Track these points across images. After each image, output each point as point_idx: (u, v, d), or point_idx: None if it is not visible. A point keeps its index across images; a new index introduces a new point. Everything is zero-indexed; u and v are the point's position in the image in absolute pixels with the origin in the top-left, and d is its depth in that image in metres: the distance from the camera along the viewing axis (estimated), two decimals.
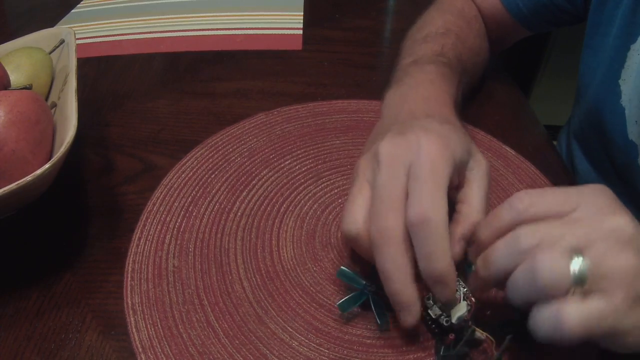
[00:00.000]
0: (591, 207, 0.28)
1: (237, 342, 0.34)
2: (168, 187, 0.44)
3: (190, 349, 0.33)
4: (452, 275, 0.30)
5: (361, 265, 0.38)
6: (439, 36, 0.50)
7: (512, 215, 0.29)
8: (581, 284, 0.26)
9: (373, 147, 0.34)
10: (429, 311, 0.33)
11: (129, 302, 0.36)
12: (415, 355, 0.33)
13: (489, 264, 0.30)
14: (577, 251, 0.26)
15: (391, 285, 0.31)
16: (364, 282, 0.35)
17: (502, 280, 0.29)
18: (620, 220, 0.27)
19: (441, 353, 0.32)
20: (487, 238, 0.31)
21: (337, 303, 0.34)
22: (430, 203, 0.30)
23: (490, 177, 0.36)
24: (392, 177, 0.32)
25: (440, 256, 0.30)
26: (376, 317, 0.33)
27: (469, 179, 0.35)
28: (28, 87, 0.44)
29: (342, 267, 0.36)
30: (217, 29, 0.69)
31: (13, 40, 0.51)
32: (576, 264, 0.26)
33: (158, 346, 0.33)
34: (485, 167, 0.36)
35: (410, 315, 0.31)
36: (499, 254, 0.29)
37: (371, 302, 0.34)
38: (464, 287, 0.33)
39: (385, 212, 0.31)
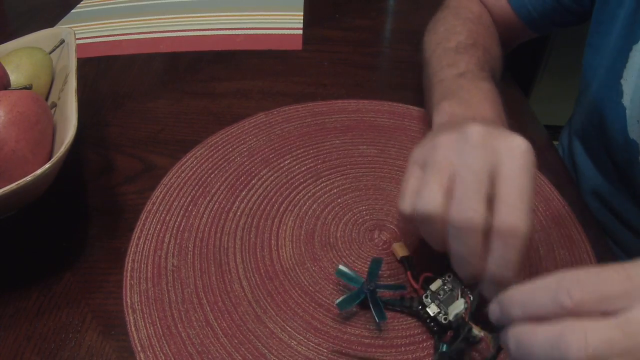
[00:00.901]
0: None
1: (236, 341, 0.34)
2: (168, 186, 0.45)
3: (189, 348, 0.33)
4: (510, 282, 0.29)
5: (359, 264, 0.38)
6: (470, 47, 0.49)
7: (555, 309, 0.25)
8: None
9: (459, 129, 0.33)
10: (427, 309, 0.34)
11: (128, 301, 0.36)
12: (415, 355, 0.33)
13: (523, 348, 0.26)
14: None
15: (465, 268, 0.31)
16: (363, 281, 0.35)
17: None
18: None
19: (439, 350, 0.32)
20: (519, 317, 0.26)
21: (336, 301, 0.34)
22: (521, 214, 0.29)
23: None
24: (482, 160, 0.31)
25: (514, 267, 0.29)
26: (374, 315, 0.33)
27: None
28: (28, 87, 0.44)
29: (340, 265, 0.36)
30: (217, 29, 0.69)
31: (13, 40, 0.51)
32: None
33: (157, 345, 0.33)
34: None
35: (498, 288, 0.29)
36: (540, 350, 0.25)
37: (369, 301, 0.34)
38: (461, 284, 0.34)
39: (470, 198, 0.30)
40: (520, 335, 0.26)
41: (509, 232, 0.29)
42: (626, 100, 0.45)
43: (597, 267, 0.25)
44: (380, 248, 0.40)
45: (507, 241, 0.29)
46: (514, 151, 0.31)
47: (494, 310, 0.28)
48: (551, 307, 0.25)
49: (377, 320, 0.34)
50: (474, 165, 0.31)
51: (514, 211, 0.29)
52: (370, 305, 0.34)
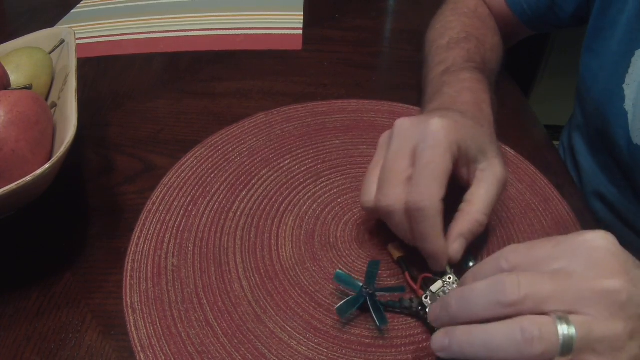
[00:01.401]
0: (586, 262, 0.26)
1: (235, 341, 0.34)
2: (168, 186, 0.45)
3: (189, 347, 0.33)
4: (442, 254, 0.34)
5: (359, 265, 0.38)
6: (462, 41, 0.50)
7: (495, 274, 0.28)
8: (568, 353, 0.25)
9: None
10: (427, 309, 0.34)
11: (128, 301, 0.36)
12: (414, 355, 0.33)
13: (466, 303, 0.28)
14: (566, 318, 0.25)
15: (407, 242, 0.36)
16: (361, 285, 0.35)
17: (471, 322, 0.28)
18: (615, 283, 0.25)
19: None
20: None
21: (336, 307, 0.34)
22: (425, 192, 0.32)
23: (504, 186, 0.36)
24: (399, 152, 0.35)
25: (431, 238, 0.33)
26: (375, 318, 0.33)
27: (479, 178, 0.36)
28: (28, 87, 0.44)
29: (338, 270, 0.36)
30: (217, 29, 0.69)
31: (13, 40, 0.51)
32: (565, 332, 0.25)
33: (157, 345, 0.33)
34: (499, 173, 0.36)
35: (435, 262, 0.34)
36: (479, 297, 0.27)
37: (369, 304, 0.34)
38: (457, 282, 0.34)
39: (387, 188, 0.34)
40: (463, 292, 0.29)
41: (414, 208, 0.33)
42: (628, 105, 0.45)
43: (528, 243, 0.29)
44: (380, 248, 0.40)
45: (416, 217, 0.33)
46: (426, 132, 0.34)
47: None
48: (493, 273, 0.28)
49: (379, 325, 0.33)
50: (392, 154, 0.35)
51: (416, 188, 0.33)
52: (371, 310, 0.34)
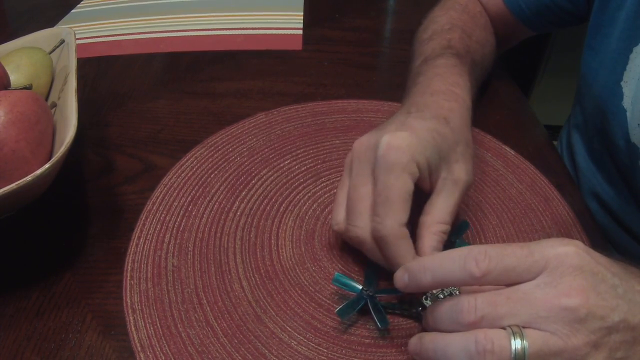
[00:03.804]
0: (549, 279, 0.27)
1: (235, 341, 0.34)
2: (168, 186, 0.45)
3: (189, 348, 0.33)
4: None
5: (358, 265, 0.38)
6: (445, 32, 0.50)
7: (464, 277, 0.28)
8: None
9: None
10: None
11: (128, 301, 0.36)
12: None
13: (433, 319, 0.30)
14: (520, 332, 0.26)
15: (380, 264, 0.35)
16: (360, 287, 0.35)
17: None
18: (573, 301, 0.26)
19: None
20: (428, 284, 0.30)
21: (336, 310, 0.34)
22: (384, 220, 0.32)
23: (466, 188, 0.36)
24: (360, 177, 0.34)
25: (399, 261, 0.32)
26: (376, 320, 0.33)
27: (438, 188, 0.36)
28: (28, 87, 0.44)
29: (337, 273, 0.36)
30: (217, 29, 0.69)
31: (13, 40, 0.51)
32: (517, 347, 0.26)
33: (157, 345, 0.33)
34: (459, 178, 0.35)
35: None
36: (444, 315, 0.29)
37: (370, 306, 0.34)
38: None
39: (354, 219, 0.34)
40: (432, 308, 0.30)
41: (377, 237, 0.33)
42: (627, 103, 0.45)
43: (504, 244, 0.29)
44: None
45: (382, 245, 0.33)
46: (379, 154, 0.34)
47: (400, 277, 0.31)
48: (459, 275, 0.28)
49: (380, 327, 0.33)
50: (354, 183, 0.35)
51: (376, 218, 0.33)
52: (372, 312, 0.34)
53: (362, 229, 0.34)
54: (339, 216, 0.36)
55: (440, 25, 0.51)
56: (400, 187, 0.32)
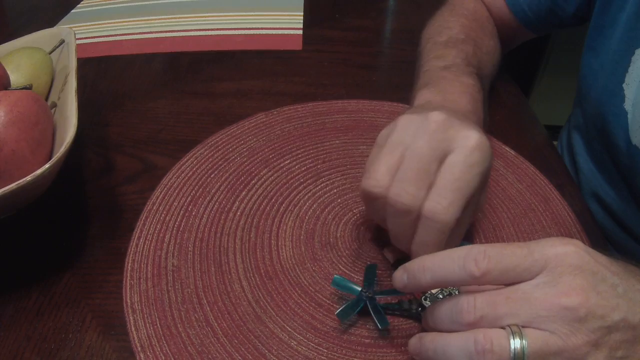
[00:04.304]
0: (549, 279, 0.27)
1: (235, 341, 0.34)
2: (168, 186, 0.45)
3: (189, 348, 0.33)
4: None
5: (359, 265, 0.38)
6: (460, 42, 0.50)
7: (463, 277, 0.28)
8: None
9: (422, 113, 0.34)
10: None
11: (128, 301, 0.36)
12: None
13: (433, 319, 0.30)
14: (520, 332, 0.26)
15: (399, 244, 0.35)
16: (360, 289, 0.35)
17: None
18: (572, 300, 0.26)
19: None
20: (428, 284, 0.30)
21: (336, 312, 0.34)
22: (448, 206, 0.31)
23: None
24: (432, 146, 0.32)
25: (430, 250, 0.32)
26: (376, 321, 0.33)
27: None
28: (28, 87, 0.44)
29: (336, 276, 0.36)
30: (217, 29, 0.69)
31: (13, 40, 0.51)
32: (516, 346, 0.26)
33: (157, 345, 0.33)
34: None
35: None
36: (443, 315, 0.29)
37: (369, 308, 0.34)
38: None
39: (409, 182, 0.32)
40: (431, 308, 0.30)
41: (431, 217, 0.31)
42: (628, 105, 0.45)
43: (503, 243, 0.29)
44: (380, 248, 0.40)
45: (428, 225, 0.32)
46: (464, 143, 0.32)
47: (400, 277, 0.30)
48: (459, 275, 0.28)
49: (380, 327, 0.33)
50: (422, 150, 0.32)
51: (440, 199, 0.31)
52: (371, 313, 0.34)
53: (416, 198, 0.31)
54: (384, 179, 0.33)
55: (455, 32, 0.51)
56: (474, 188, 0.32)
